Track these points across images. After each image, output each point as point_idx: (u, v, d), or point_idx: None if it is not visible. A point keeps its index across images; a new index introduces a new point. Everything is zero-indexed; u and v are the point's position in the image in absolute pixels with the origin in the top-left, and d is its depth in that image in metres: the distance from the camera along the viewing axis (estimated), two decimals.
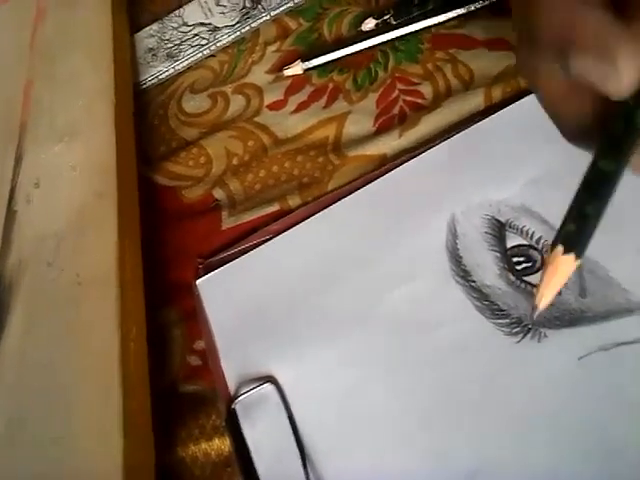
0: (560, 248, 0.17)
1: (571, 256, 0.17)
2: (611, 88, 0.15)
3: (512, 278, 0.25)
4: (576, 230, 0.17)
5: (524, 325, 0.24)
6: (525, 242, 0.26)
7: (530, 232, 0.26)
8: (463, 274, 0.26)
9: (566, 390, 0.23)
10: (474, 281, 0.26)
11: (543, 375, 0.23)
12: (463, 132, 0.29)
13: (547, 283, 0.17)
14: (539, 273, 0.25)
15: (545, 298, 0.17)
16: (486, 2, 0.33)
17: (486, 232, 0.27)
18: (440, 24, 0.34)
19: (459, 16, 0.34)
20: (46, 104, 0.36)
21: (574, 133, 0.19)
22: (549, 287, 0.17)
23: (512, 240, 0.26)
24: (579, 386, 0.23)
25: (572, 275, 0.24)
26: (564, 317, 0.24)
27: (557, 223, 0.25)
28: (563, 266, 0.17)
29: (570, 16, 0.16)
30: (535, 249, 0.26)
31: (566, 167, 0.26)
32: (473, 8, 0.33)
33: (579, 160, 0.27)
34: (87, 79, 0.36)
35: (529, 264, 0.25)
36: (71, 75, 0.37)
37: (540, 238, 0.26)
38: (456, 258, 0.27)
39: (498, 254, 0.26)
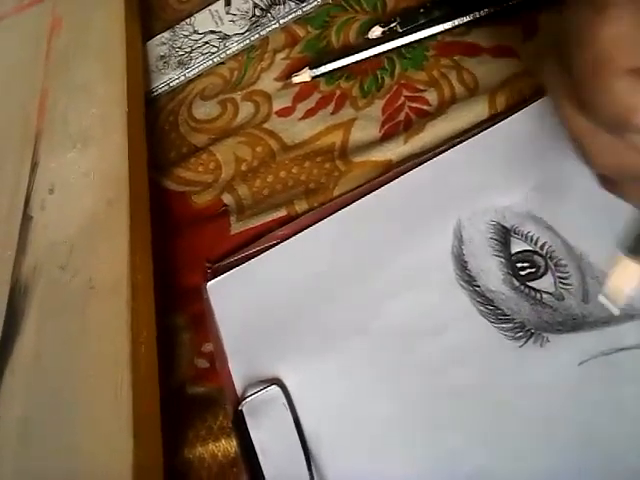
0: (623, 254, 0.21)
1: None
2: None
3: (516, 283, 0.26)
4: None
5: (527, 330, 0.24)
6: (530, 248, 0.26)
7: (535, 238, 0.26)
8: (468, 279, 0.26)
9: (567, 394, 0.23)
10: (479, 286, 0.26)
11: (545, 379, 0.23)
12: (468, 140, 0.30)
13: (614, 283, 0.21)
14: (543, 278, 0.25)
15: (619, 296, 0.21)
16: (491, 10, 0.33)
17: (491, 238, 0.27)
18: (445, 31, 0.34)
19: (464, 24, 0.34)
20: (61, 111, 0.37)
21: (609, 184, 0.22)
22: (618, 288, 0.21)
23: (517, 246, 0.26)
24: (580, 390, 0.23)
25: (575, 281, 0.25)
26: (567, 322, 0.24)
27: (561, 229, 0.26)
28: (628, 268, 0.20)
29: (633, 100, 0.17)
30: (539, 255, 0.26)
31: (570, 174, 0.27)
32: (478, 16, 0.33)
33: (582, 167, 0.27)
34: (100, 87, 0.37)
35: (533, 270, 0.26)
36: (85, 83, 0.38)
37: (545, 244, 0.26)
38: (461, 263, 0.27)
39: (503, 259, 0.26)
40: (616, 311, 0.21)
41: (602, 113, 0.18)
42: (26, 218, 0.33)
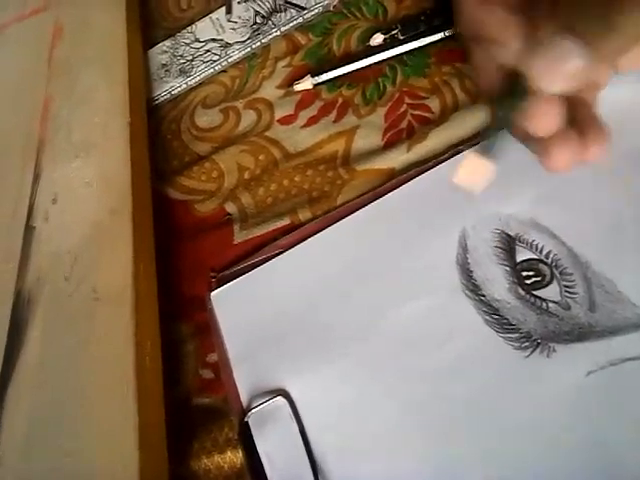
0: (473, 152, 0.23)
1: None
2: (505, 61, 0.23)
3: (521, 292, 0.25)
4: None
5: (533, 340, 0.24)
6: (535, 256, 0.26)
7: (539, 246, 0.26)
8: (473, 288, 0.26)
9: (574, 404, 0.23)
10: (484, 295, 0.26)
11: (552, 389, 0.23)
12: (471, 147, 0.29)
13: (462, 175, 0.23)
14: (548, 287, 0.25)
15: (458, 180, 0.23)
16: None
17: (496, 246, 0.27)
18: (446, 39, 0.34)
19: None
20: (63, 120, 0.37)
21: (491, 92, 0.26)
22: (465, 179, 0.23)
23: (522, 254, 0.26)
24: (587, 401, 0.23)
25: (581, 290, 0.24)
26: (573, 332, 0.24)
27: (566, 237, 0.26)
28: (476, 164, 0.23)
29: (475, 17, 0.24)
30: (545, 263, 0.26)
31: (573, 182, 0.27)
32: None
33: (585, 175, 0.27)
34: (102, 95, 0.37)
35: (538, 278, 0.25)
36: (87, 91, 0.38)
37: (550, 252, 0.26)
38: (466, 272, 0.27)
39: (508, 268, 0.26)
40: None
41: (465, 30, 0.25)
42: (29, 228, 0.33)
